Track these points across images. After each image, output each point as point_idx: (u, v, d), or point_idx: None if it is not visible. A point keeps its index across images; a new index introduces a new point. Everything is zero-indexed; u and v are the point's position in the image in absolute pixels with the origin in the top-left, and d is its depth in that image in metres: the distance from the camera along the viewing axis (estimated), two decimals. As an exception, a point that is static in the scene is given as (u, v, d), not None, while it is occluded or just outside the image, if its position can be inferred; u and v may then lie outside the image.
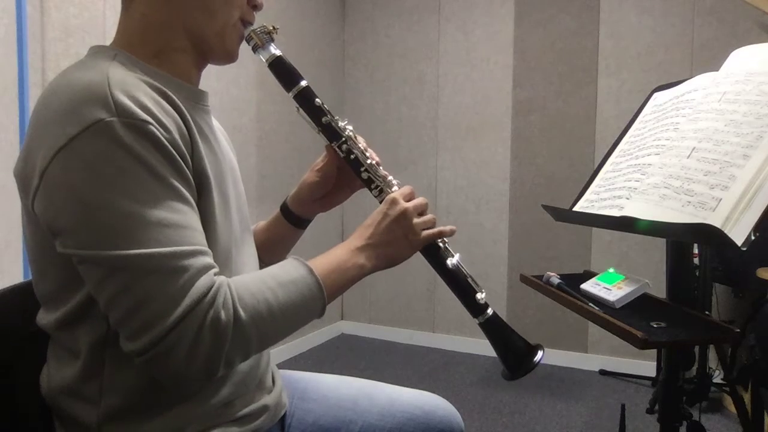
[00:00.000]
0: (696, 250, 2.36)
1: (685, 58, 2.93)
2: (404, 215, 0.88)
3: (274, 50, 0.92)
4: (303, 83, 0.94)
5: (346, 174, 1.02)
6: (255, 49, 0.92)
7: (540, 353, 0.91)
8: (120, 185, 0.66)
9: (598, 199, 1.15)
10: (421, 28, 3.53)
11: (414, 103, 3.58)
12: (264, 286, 0.74)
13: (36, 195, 0.69)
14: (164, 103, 0.73)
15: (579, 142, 3.17)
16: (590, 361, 3.15)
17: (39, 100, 0.73)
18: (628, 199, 1.04)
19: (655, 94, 1.24)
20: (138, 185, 0.67)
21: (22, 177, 0.73)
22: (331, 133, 0.95)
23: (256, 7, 0.87)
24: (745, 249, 0.76)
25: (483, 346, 2.59)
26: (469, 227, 3.41)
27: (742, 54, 1.02)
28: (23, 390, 0.83)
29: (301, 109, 0.95)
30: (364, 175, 0.95)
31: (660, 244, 2.75)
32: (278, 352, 3.13)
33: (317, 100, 0.95)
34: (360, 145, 0.97)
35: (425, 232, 0.90)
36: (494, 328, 0.92)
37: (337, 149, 0.96)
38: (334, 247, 0.86)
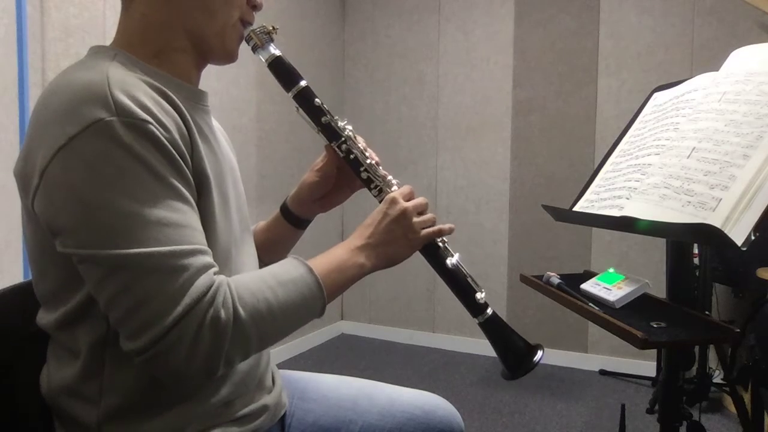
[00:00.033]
0: (696, 250, 2.36)
1: (685, 58, 2.93)
2: (404, 214, 0.88)
3: (274, 50, 0.92)
4: (302, 83, 0.94)
5: (345, 174, 1.02)
6: (255, 49, 0.92)
7: (540, 353, 0.91)
8: (120, 185, 0.66)
9: (598, 199, 1.15)
10: (421, 28, 3.53)
11: (414, 103, 3.58)
12: (264, 285, 0.74)
13: (36, 194, 0.70)
14: (164, 102, 0.73)
15: (579, 142, 3.17)
16: (590, 361, 3.15)
17: (39, 100, 0.73)
18: (628, 199, 1.04)
19: (655, 94, 1.24)
20: (138, 185, 0.67)
21: (22, 177, 0.73)
22: (331, 133, 0.95)
23: (255, 8, 0.87)
24: (745, 249, 0.76)
25: (483, 346, 2.59)
26: (469, 227, 3.41)
27: (742, 54, 1.02)
28: (23, 390, 0.82)
29: (300, 109, 0.95)
30: (364, 175, 0.95)
31: (660, 244, 2.75)
32: (278, 352, 3.13)
33: (317, 100, 0.95)
34: (359, 145, 0.97)
35: (425, 231, 0.90)
36: (494, 328, 0.92)
37: (336, 149, 0.96)
38: (333, 247, 0.86)
